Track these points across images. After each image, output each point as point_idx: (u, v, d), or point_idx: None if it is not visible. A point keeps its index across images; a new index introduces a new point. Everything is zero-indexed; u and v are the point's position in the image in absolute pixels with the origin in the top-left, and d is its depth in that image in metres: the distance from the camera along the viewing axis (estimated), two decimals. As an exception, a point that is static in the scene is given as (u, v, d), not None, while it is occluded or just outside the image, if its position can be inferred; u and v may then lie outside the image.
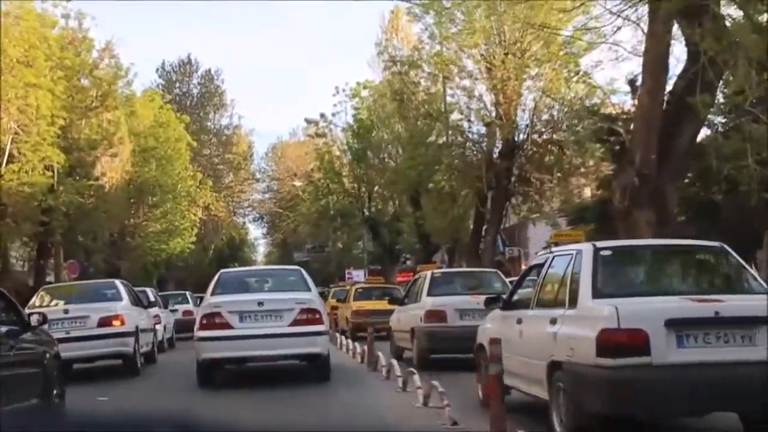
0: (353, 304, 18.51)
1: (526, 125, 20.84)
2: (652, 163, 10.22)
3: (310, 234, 48.56)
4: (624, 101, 16.02)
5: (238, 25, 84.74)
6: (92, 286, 12.75)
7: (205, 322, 9.35)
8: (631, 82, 13.15)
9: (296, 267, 11.80)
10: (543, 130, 21.07)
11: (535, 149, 21.15)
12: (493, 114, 20.18)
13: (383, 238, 30.50)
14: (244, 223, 56.28)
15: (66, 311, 10.73)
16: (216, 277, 10.35)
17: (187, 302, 22.67)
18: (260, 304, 9.51)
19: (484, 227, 21.73)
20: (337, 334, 15.22)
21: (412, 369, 6.67)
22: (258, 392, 8.77)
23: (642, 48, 11.04)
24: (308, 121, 31.48)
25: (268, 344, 9.24)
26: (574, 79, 18.64)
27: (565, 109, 19.97)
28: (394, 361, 8.21)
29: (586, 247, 5.01)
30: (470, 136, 21.84)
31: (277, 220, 54.83)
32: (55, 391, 6.93)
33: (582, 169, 20.90)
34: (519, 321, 5.58)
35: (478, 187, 20.66)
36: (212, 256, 45.15)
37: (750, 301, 4.76)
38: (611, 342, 4.81)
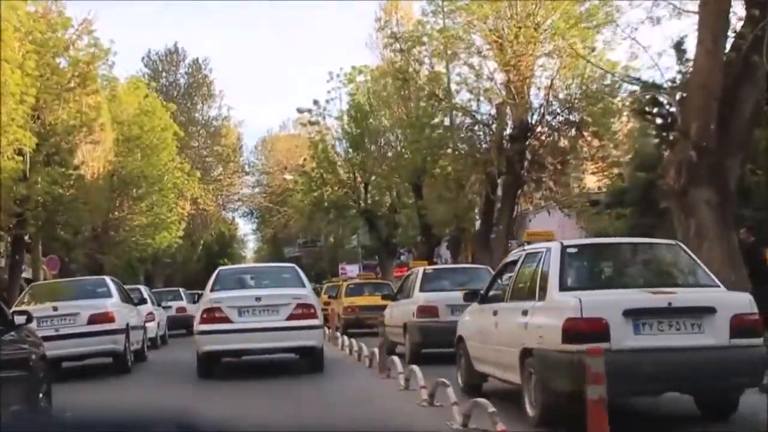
0: (344, 300, 20.43)
1: (540, 105, 21.70)
2: (712, 135, 9.94)
3: (302, 228, 50.69)
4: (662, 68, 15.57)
5: (226, 16, 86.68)
6: (82, 283, 14.24)
7: (205, 316, 11.12)
8: (678, 45, 13.08)
9: (291, 264, 13.67)
10: (559, 110, 22.05)
11: (549, 131, 22.24)
12: (504, 93, 21.23)
13: (380, 231, 32.07)
14: (234, 218, 58.12)
15: (55, 308, 11.70)
16: (215, 274, 12.25)
17: (181, 299, 25.10)
18: (258, 299, 11.26)
19: (495, 216, 22.68)
20: (337, 333, 16.77)
21: (445, 381, 7.64)
22: (255, 387, 10.20)
23: (693, 5, 10.65)
24: (300, 111, 32.68)
25: (265, 337, 10.96)
26: (601, 46, 19.49)
27: (584, 87, 20.99)
28: (414, 368, 9.25)
29: (555, 245, 6.47)
30: (479, 117, 22.78)
31: (267, 214, 58.78)
32: (41, 394, 7.35)
33: (599, 153, 22.02)
34: (495, 313, 7.07)
35: (489, 173, 21.57)
36: (201, 252, 47.44)
37: (699, 293, 6.18)
38: (575, 330, 6.10)
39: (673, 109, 12.38)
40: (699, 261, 6.58)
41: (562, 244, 6.42)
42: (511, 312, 6.67)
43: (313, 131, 32.94)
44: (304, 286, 11.71)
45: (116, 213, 28.95)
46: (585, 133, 21.84)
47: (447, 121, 23.45)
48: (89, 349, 12.25)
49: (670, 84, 13.71)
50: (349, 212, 33.73)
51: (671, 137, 11.96)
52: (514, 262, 7.14)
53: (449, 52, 21.37)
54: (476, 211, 23.82)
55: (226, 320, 11.18)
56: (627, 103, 20.01)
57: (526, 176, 22.06)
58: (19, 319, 7.48)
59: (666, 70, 16.24)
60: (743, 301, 6.07)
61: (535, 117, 21.98)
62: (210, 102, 51.81)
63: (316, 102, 32.03)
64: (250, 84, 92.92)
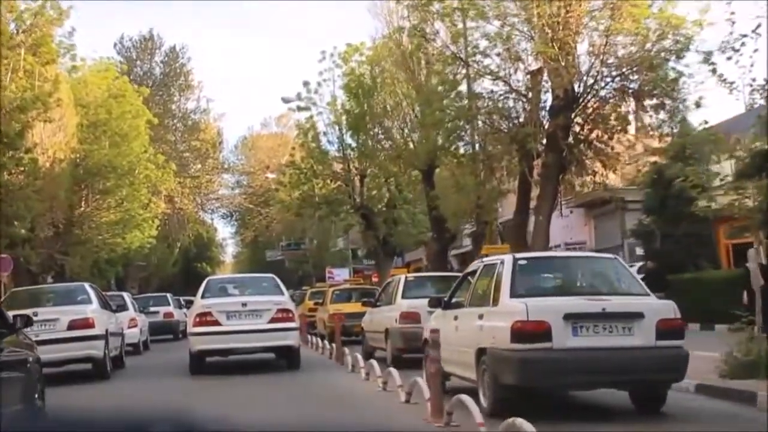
0: (330, 308, 21.71)
1: (591, 67, 19.18)
2: None
3: (286, 229, 51.31)
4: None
5: (206, 4, 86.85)
6: (61, 289, 15.81)
7: (198, 320, 14.04)
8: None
9: (270, 275, 16.96)
10: (613, 75, 19.48)
11: (601, 102, 19.77)
12: (536, 62, 19.20)
13: (377, 229, 31.05)
14: (212, 219, 59.28)
15: (35, 314, 12.64)
16: (204, 283, 15.44)
17: (168, 304, 27.50)
18: (244, 305, 14.09)
19: (532, 205, 20.46)
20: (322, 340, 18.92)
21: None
22: (239, 394, 11.74)
23: None
24: (286, 101, 31.62)
25: (250, 338, 13.82)
26: None
27: (645, 47, 18.21)
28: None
29: (508, 258, 8.08)
30: (514, 84, 20.28)
31: (248, 216, 62.17)
32: (36, 395, 8.26)
33: (663, 128, 19.27)
34: (456, 318, 8.47)
35: (527, 152, 19.38)
36: (177, 254, 47.61)
37: (630, 300, 7.76)
38: (522, 331, 8.11)
39: None
40: (634, 273, 7.97)
41: (514, 257, 8.02)
42: (469, 316, 8.24)
43: (302, 118, 32.10)
44: (282, 293, 14.90)
45: (82, 208, 28.58)
46: (646, 103, 19.34)
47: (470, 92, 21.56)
48: (68, 355, 13.45)
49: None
50: (342, 208, 32.75)
51: None
52: (474, 272, 8.54)
53: (472, 12, 19.36)
54: (499, 201, 22.62)
55: (216, 323, 13.85)
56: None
57: (570, 156, 19.65)
58: (20, 323, 8.52)
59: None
60: (668, 308, 7.79)
61: (582, 85, 19.37)
62: (187, 93, 52.05)
63: (306, 84, 30.93)
64: (231, 76, 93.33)
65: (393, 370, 9.86)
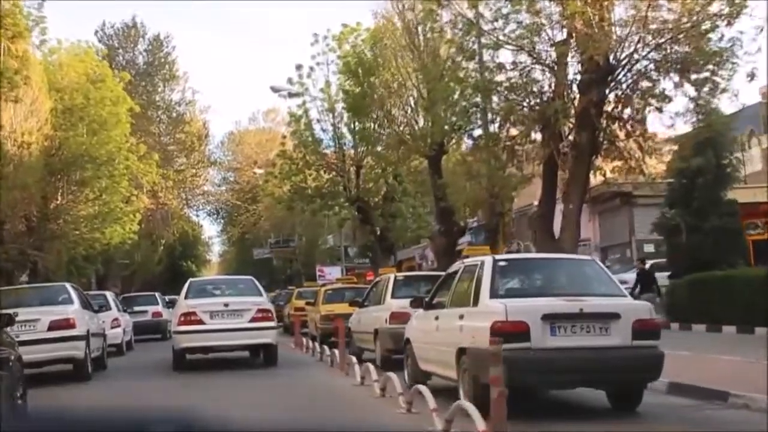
0: (322, 308, 21.81)
1: (627, 36, 17.21)
2: None
3: (274, 226, 50.84)
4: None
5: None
6: (42, 289, 15.90)
7: (183, 319, 15.34)
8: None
9: (249, 277, 18.74)
10: (652, 45, 17.34)
11: (638, 75, 17.83)
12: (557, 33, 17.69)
13: (374, 223, 29.98)
14: (198, 217, 59.78)
15: (15, 314, 13.25)
16: (187, 284, 16.78)
17: (157, 303, 27.77)
18: (226, 305, 15.36)
19: (559, 194, 19.03)
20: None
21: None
22: (222, 397, 12.16)
23: None
24: (275, 90, 30.20)
25: (232, 336, 15.07)
26: None
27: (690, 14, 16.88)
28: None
29: (488, 259, 8.48)
30: (537, 56, 18.56)
31: (235, 213, 64.39)
32: (18, 395, 8.55)
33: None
34: (437, 318, 8.74)
35: (551, 133, 17.60)
36: (162, 252, 47.43)
37: (607, 301, 8.05)
38: (501, 331, 7.89)
39: None
40: (610, 274, 8.25)
41: (494, 258, 8.24)
42: (450, 316, 8.57)
43: (294, 105, 30.76)
44: (261, 295, 16.40)
45: (58, 200, 27.89)
46: (692, 76, 17.34)
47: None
48: (49, 356, 13.82)
49: None
50: (336, 201, 31.48)
51: None
52: (455, 273, 8.78)
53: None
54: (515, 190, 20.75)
55: (200, 322, 15.05)
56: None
57: (603, 137, 18.26)
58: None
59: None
60: (644, 309, 8.17)
61: (619, 54, 17.63)
62: (172, 84, 51.53)
63: (298, 67, 29.90)
64: (217, 68, 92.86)
65: (393, 375, 9.75)
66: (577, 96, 17.30)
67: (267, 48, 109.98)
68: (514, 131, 19.20)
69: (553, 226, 18.20)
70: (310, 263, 48.54)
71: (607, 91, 17.35)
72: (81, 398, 12.11)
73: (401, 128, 25.37)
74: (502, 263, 9.16)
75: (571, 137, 17.53)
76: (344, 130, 30.29)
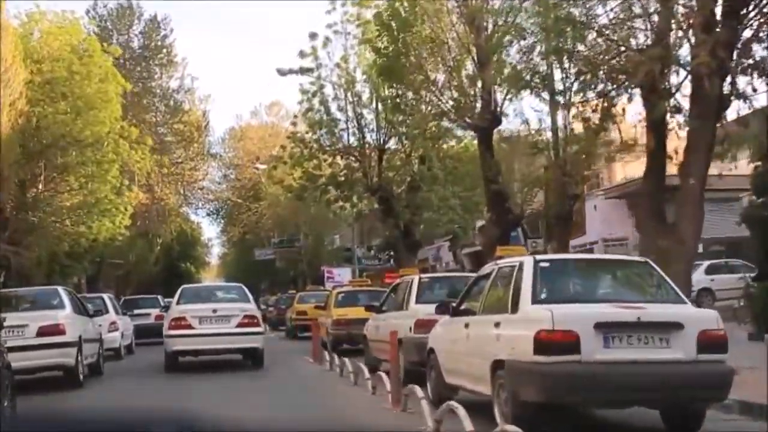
0: (334, 312, 20.40)
1: None
2: None
3: (278, 225, 49.35)
4: None
5: None
6: (32, 293, 15.24)
7: (173, 323, 16.27)
8: None
9: (239, 284, 19.31)
10: None
11: None
12: None
13: (398, 216, 26.56)
14: (197, 214, 58.50)
15: (3, 319, 12.51)
16: (180, 290, 17.81)
17: (159, 306, 26.67)
18: (214, 311, 16.23)
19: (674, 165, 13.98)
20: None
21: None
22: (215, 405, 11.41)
23: None
24: (281, 72, 26.90)
25: (220, 340, 15.94)
26: None
27: None
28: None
29: (528, 260, 7.45)
30: None
31: (236, 212, 62.37)
32: (6, 402, 8.46)
33: None
34: (467, 325, 7.74)
35: (656, 91, 13.11)
36: (159, 252, 45.69)
37: (668, 308, 7.10)
38: (547, 341, 7.68)
39: None
40: (667, 278, 7.25)
41: (535, 258, 7.26)
42: (483, 324, 7.49)
43: (306, 82, 27.43)
44: (249, 301, 17.32)
45: (38, 188, 25.51)
46: None
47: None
48: (38, 363, 13.16)
49: None
50: (354, 190, 28.14)
51: None
52: (487, 276, 7.79)
53: None
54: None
55: (190, 327, 15.93)
56: None
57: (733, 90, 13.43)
58: None
59: None
60: (710, 318, 7.00)
61: None
62: (170, 70, 48.98)
63: (313, 36, 26.76)
64: (217, 68, 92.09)
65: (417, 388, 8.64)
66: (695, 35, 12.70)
67: (266, 48, 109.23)
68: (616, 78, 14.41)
69: (664, 208, 14.04)
70: (316, 264, 45.88)
71: (741, 27, 12.57)
72: (72, 404, 11.45)
73: (447, 93, 20.95)
74: (543, 264, 8.08)
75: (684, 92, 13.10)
76: (364, 111, 27.09)
